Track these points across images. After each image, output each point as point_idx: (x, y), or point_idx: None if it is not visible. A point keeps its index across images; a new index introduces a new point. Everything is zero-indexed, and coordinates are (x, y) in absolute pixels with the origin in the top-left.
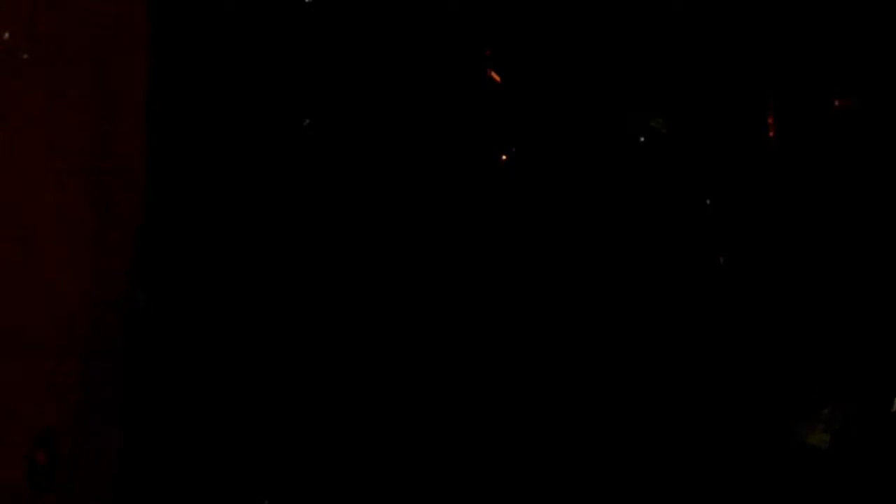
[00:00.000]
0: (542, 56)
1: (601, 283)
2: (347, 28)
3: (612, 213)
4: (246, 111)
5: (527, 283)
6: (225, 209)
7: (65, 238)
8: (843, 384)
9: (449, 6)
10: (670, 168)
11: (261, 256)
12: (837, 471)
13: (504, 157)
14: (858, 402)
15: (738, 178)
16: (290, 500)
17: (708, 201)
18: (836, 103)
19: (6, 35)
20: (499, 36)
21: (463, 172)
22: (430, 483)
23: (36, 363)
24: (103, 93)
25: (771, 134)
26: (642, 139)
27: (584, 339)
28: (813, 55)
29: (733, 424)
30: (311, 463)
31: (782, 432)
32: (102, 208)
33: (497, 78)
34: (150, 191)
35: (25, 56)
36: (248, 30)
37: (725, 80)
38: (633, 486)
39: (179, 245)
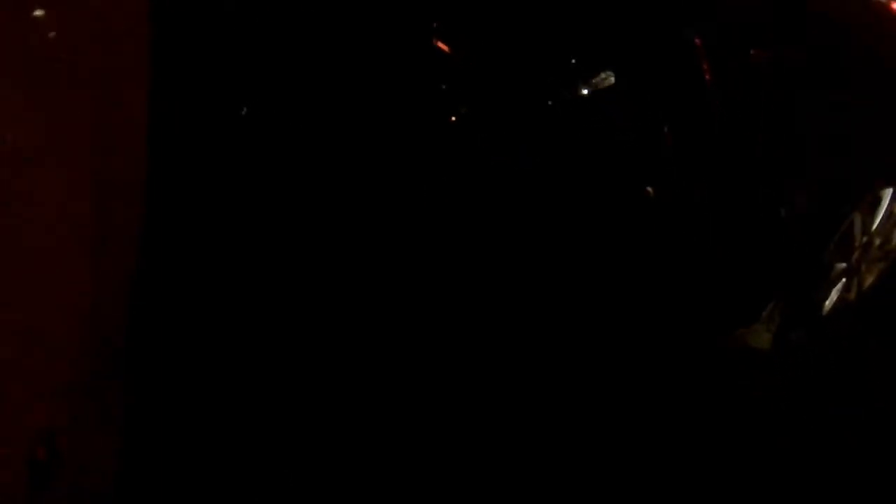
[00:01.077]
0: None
1: (558, 234)
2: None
3: (570, 172)
4: (247, 116)
5: (489, 251)
6: (226, 213)
7: (65, 239)
8: (780, 285)
9: None
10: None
11: (262, 259)
12: (779, 371)
13: (454, 119)
14: (795, 303)
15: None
16: (292, 499)
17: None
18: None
19: (8, 42)
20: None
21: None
22: (428, 482)
23: (36, 363)
24: (104, 97)
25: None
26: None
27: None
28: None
29: (675, 330)
30: (312, 462)
31: (725, 336)
32: (103, 211)
33: (445, 48)
34: (151, 193)
35: (28, 61)
36: (248, 34)
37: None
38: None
39: (180, 247)
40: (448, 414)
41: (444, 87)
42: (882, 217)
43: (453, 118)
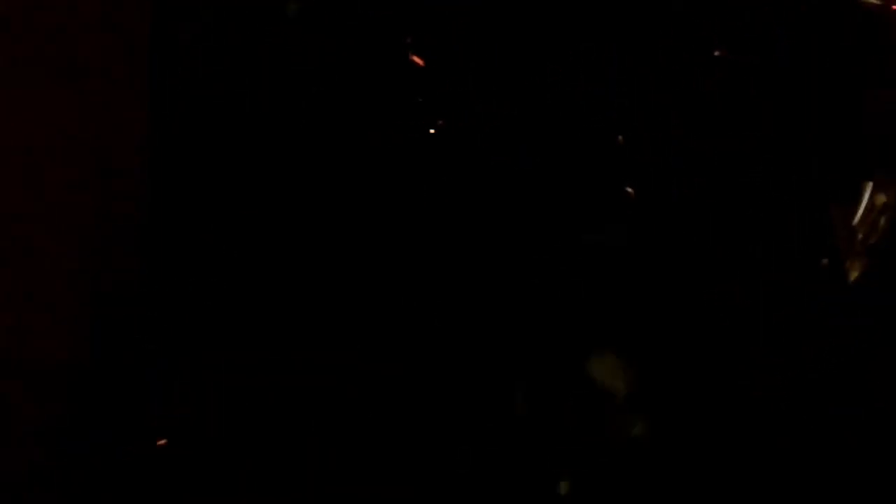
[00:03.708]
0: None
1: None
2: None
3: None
4: (249, 109)
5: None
6: (229, 210)
7: (65, 238)
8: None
9: None
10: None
11: (265, 259)
12: (779, 371)
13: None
14: (771, 298)
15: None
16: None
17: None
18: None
19: (6, 35)
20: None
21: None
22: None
23: (35, 362)
24: (104, 91)
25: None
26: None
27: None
28: None
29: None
30: (316, 463)
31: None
32: (104, 208)
33: (420, 62)
34: (153, 191)
35: (26, 56)
36: (248, 28)
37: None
38: None
39: (181, 246)
40: (447, 413)
41: (446, 86)
42: (863, 211)
43: (453, 120)
